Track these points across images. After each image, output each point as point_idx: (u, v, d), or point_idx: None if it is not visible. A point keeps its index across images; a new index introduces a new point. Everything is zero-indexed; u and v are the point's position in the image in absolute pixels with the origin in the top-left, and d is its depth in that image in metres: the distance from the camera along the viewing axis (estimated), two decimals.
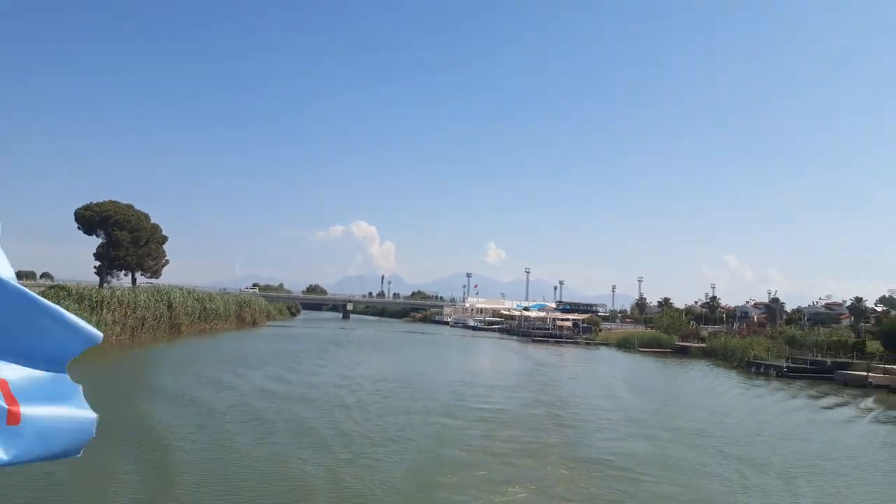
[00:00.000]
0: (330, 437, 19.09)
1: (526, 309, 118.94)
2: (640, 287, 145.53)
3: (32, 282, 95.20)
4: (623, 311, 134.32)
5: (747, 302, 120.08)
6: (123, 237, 67.36)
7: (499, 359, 58.56)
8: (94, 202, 69.59)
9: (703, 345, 68.47)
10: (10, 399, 1.89)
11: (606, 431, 23.05)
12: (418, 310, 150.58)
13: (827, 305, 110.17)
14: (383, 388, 30.45)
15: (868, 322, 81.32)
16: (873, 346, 52.64)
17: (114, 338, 45.89)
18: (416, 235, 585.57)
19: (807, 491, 16.47)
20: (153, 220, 74.39)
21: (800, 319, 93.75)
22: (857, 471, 19.20)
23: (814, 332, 67.90)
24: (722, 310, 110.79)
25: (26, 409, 1.90)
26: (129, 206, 70.86)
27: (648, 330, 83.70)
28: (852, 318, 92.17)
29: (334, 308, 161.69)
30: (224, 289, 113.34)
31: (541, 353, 65.39)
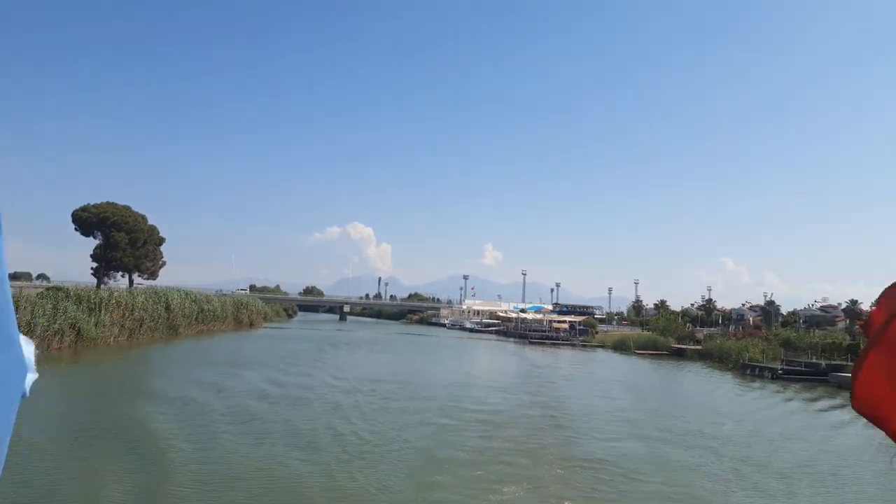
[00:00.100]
0: (326, 438, 19.21)
1: (523, 311, 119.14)
2: (636, 289, 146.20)
3: (28, 283, 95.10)
4: (619, 314, 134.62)
5: (743, 304, 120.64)
6: (121, 238, 67.42)
7: (495, 360, 58.75)
8: (92, 203, 69.66)
9: (699, 347, 68.74)
10: None
11: (602, 432, 23.25)
12: (415, 311, 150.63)
13: (822, 308, 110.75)
14: (380, 389, 30.60)
15: None
16: None
17: (112, 339, 46.00)
18: (412, 237, 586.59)
19: (803, 490, 16.71)
20: (150, 222, 74.54)
21: (795, 322, 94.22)
22: (852, 472, 19.44)
23: (809, 334, 68.27)
24: (718, 312, 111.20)
25: None
26: (127, 208, 70.94)
27: (645, 332, 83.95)
28: (847, 321, 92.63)
29: (331, 310, 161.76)
30: (220, 290, 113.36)
31: (537, 354, 65.62)
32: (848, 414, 32.80)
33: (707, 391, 40.46)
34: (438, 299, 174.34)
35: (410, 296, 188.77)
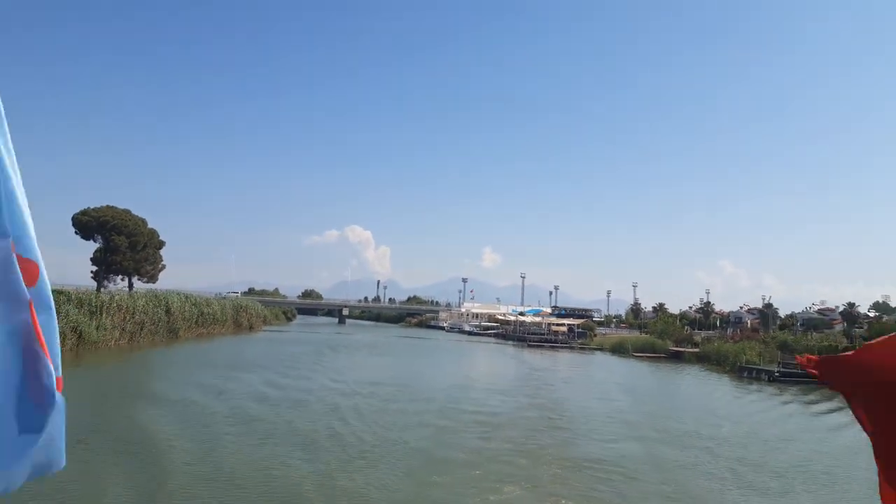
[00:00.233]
0: (326, 440, 19.43)
1: (521, 314, 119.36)
2: (634, 292, 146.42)
3: None
4: (618, 317, 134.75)
5: (741, 307, 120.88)
6: (121, 242, 67.60)
7: (494, 363, 58.98)
8: (92, 207, 69.80)
9: (697, 350, 69.03)
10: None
11: (600, 433, 23.53)
12: (414, 315, 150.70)
13: (820, 311, 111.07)
14: (379, 391, 30.83)
15: (861, 328, 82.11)
16: None
17: (113, 342, 46.22)
18: (411, 240, 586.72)
19: (797, 489, 17.00)
20: (150, 225, 74.72)
21: (793, 325, 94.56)
22: (845, 472, 19.73)
23: (806, 337, 68.63)
24: (716, 315, 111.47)
25: None
26: (127, 212, 71.09)
27: (642, 335, 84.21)
28: (845, 324, 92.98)
29: (330, 313, 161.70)
30: (219, 293, 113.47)
31: (536, 357, 65.87)
32: (844, 416, 33.12)
33: (704, 393, 40.75)
34: (437, 302, 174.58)
35: (409, 299, 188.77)
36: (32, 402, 1.79)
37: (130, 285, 73.19)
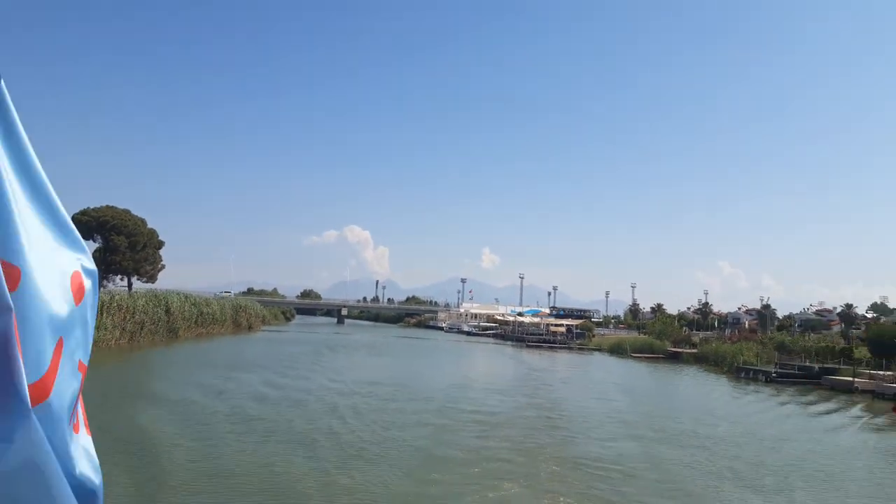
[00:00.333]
0: (325, 439, 19.57)
1: (520, 314, 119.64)
2: (633, 293, 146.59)
3: None
4: (616, 317, 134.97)
5: (739, 308, 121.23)
6: (121, 242, 67.79)
7: (493, 364, 59.17)
8: (92, 207, 70.01)
9: (695, 350, 69.24)
10: None
11: (598, 432, 23.72)
12: (413, 315, 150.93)
13: (818, 312, 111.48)
14: (378, 391, 31.00)
15: (859, 328, 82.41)
16: (861, 352, 53.53)
17: (113, 342, 46.40)
18: (410, 240, 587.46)
19: (792, 487, 17.21)
20: (150, 225, 74.90)
21: (791, 326, 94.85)
22: (841, 472, 19.95)
23: (803, 338, 68.86)
24: (714, 316, 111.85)
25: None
26: (127, 212, 71.30)
27: (641, 336, 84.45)
28: (842, 325, 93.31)
29: (328, 313, 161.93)
30: (215, 294, 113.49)
31: (534, 357, 66.09)
32: (841, 417, 33.35)
33: (701, 394, 40.96)
34: (436, 302, 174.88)
35: (408, 299, 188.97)
36: None
37: (130, 285, 73.37)
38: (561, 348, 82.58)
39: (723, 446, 22.38)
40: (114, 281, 73.41)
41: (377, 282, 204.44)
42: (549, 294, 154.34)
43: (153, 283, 75.80)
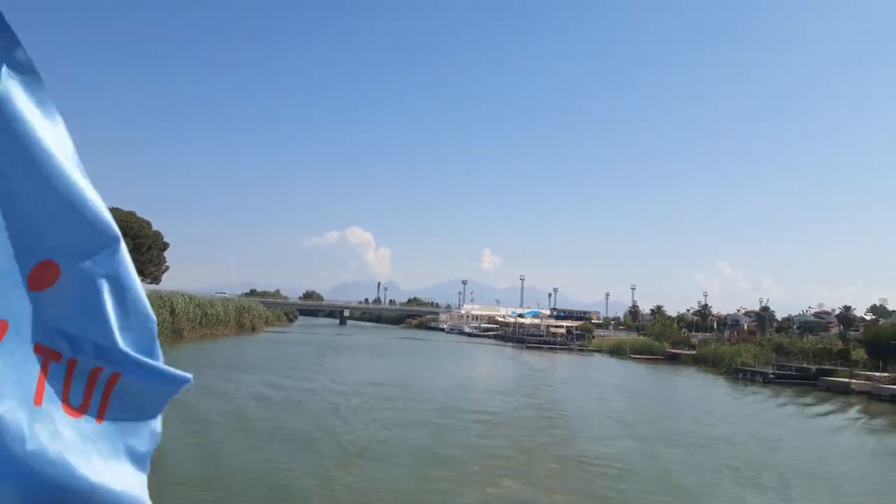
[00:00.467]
0: (328, 438, 19.89)
1: (520, 316, 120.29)
2: (633, 295, 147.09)
3: None
4: (616, 319, 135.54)
5: (738, 310, 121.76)
6: (126, 244, 68.28)
7: (493, 364, 59.72)
8: None
9: (694, 352, 69.82)
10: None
11: (597, 432, 24.23)
12: (414, 316, 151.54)
13: (816, 314, 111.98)
14: (380, 391, 31.45)
15: (857, 330, 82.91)
16: (859, 353, 54.15)
17: None
18: (411, 240, 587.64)
19: (788, 483, 17.80)
20: (154, 227, 75.56)
21: (789, 327, 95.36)
22: (838, 471, 20.52)
23: (801, 339, 69.42)
24: (713, 317, 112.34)
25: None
26: (132, 214, 71.92)
27: (640, 337, 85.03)
28: (841, 327, 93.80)
29: (331, 314, 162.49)
30: (216, 294, 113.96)
31: (535, 359, 66.64)
32: (838, 418, 33.92)
33: (700, 395, 41.56)
34: (437, 304, 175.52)
35: (409, 300, 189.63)
36: None
37: None
38: (561, 350, 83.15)
39: (720, 446, 22.88)
40: None
41: (379, 283, 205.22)
42: (550, 295, 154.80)
43: (157, 284, 76.49)
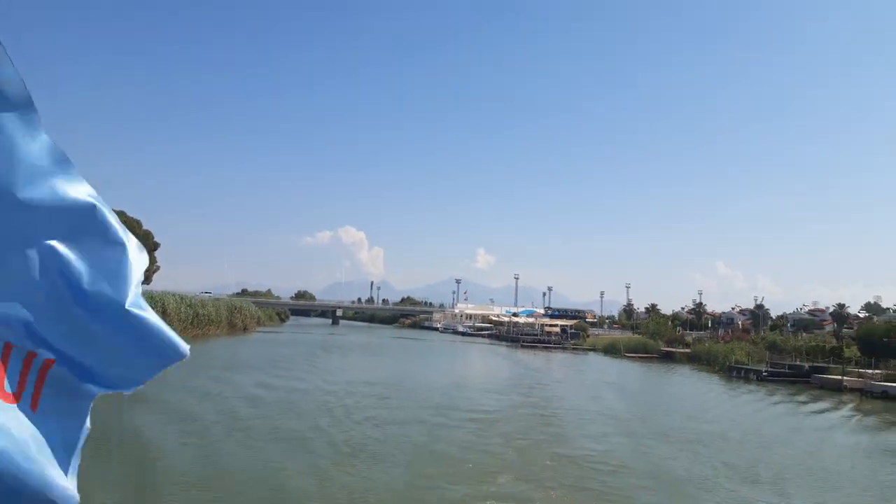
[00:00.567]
0: (321, 438, 19.79)
1: (515, 315, 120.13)
2: (628, 293, 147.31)
3: None
4: (611, 317, 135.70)
5: (733, 308, 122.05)
6: None
7: (488, 364, 59.56)
8: None
9: (688, 350, 69.90)
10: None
11: (590, 430, 24.13)
12: (408, 316, 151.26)
13: (811, 312, 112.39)
14: (373, 391, 31.28)
15: (851, 328, 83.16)
16: (852, 351, 54.22)
17: None
18: (405, 239, 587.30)
19: (782, 478, 17.64)
20: (144, 227, 75.03)
21: (784, 325, 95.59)
22: (832, 466, 20.41)
23: (794, 337, 69.53)
24: (708, 316, 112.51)
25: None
26: (121, 213, 71.41)
27: (635, 336, 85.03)
28: (835, 324, 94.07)
29: (323, 314, 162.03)
30: (203, 293, 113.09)
31: (529, 358, 66.51)
32: (831, 415, 33.88)
33: (693, 393, 41.46)
34: (431, 303, 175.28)
35: (403, 300, 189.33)
36: None
37: None
38: (555, 348, 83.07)
39: (715, 443, 22.83)
40: None
41: (372, 283, 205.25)
42: (544, 294, 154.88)
43: (147, 284, 75.70)
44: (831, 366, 49.61)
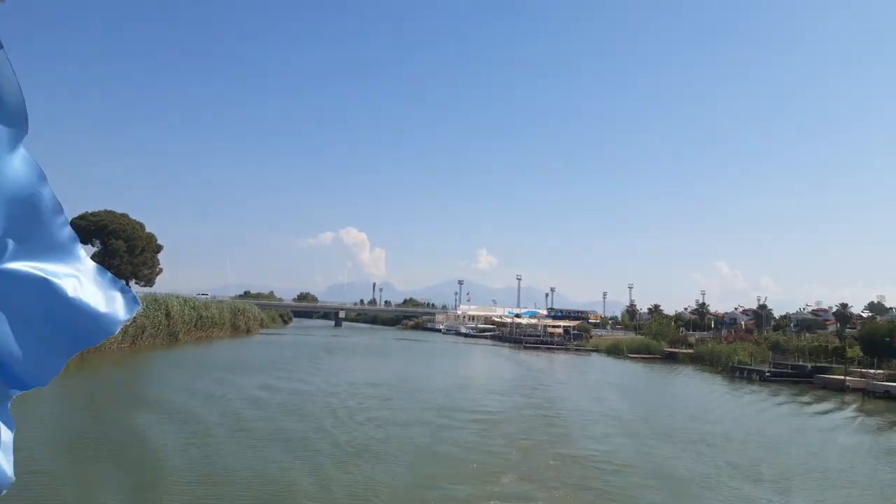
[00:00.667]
0: (325, 438, 19.85)
1: (517, 316, 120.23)
2: (630, 294, 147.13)
3: None
4: (614, 318, 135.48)
5: (736, 308, 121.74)
6: (119, 246, 68.15)
7: (491, 365, 59.61)
8: (90, 211, 70.36)
9: (691, 351, 69.78)
10: None
11: (593, 430, 24.19)
12: (410, 317, 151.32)
13: (814, 312, 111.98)
14: (377, 393, 31.35)
15: (854, 328, 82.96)
16: (855, 351, 54.11)
17: (116, 345, 46.70)
18: (406, 242, 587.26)
19: (781, 477, 17.69)
20: (147, 230, 75.29)
21: (786, 326, 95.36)
22: (832, 465, 20.44)
23: (798, 337, 69.36)
24: (711, 316, 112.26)
25: None
26: (125, 216, 71.66)
27: (638, 336, 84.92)
28: (838, 324, 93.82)
29: (325, 316, 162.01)
30: (200, 295, 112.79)
31: (532, 359, 66.53)
32: (833, 415, 33.86)
33: (696, 393, 41.47)
34: (433, 304, 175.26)
35: (405, 301, 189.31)
36: None
37: None
38: (558, 349, 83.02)
39: (718, 442, 22.87)
40: None
41: (374, 284, 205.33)
42: (547, 295, 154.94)
43: (151, 286, 76.19)
44: (834, 366, 49.55)
